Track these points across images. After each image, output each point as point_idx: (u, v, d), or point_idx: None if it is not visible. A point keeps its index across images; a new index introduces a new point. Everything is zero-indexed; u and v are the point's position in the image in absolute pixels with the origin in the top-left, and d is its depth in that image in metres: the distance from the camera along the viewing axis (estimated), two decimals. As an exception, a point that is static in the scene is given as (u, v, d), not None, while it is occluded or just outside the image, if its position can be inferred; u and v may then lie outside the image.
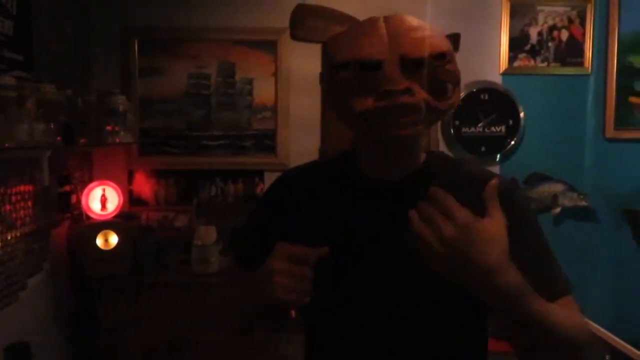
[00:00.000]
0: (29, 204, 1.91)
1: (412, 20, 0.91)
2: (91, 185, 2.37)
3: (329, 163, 1.07)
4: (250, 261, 1.01)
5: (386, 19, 0.92)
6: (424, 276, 0.86)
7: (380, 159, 0.97)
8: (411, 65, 0.87)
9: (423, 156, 1.00)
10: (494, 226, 0.77)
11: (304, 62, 2.67)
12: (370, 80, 0.87)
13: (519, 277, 0.78)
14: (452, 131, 2.70)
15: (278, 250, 0.89)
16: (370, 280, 0.94)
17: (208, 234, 2.44)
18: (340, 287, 0.95)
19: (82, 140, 1.93)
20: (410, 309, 0.93)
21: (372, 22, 0.92)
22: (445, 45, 0.90)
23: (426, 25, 0.91)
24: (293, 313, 1.10)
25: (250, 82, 2.68)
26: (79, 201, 2.35)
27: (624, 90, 2.69)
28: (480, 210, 0.84)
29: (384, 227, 0.94)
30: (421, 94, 0.87)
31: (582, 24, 2.71)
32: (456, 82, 0.92)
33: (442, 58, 0.88)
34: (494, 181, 0.81)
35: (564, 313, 0.88)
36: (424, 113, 0.88)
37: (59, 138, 1.70)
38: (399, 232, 0.86)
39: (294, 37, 2.71)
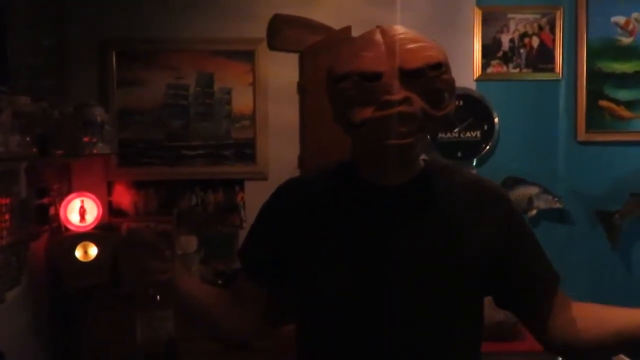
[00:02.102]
0: (6, 216, 1.90)
1: (408, 32, 0.96)
2: (69, 197, 2.36)
3: (329, 172, 1.09)
4: (262, 276, 1.08)
5: (383, 31, 0.96)
6: (428, 278, 0.96)
7: (380, 166, 1.00)
8: (409, 76, 0.91)
9: (421, 162, 1.04)
10: None
11: (282, 71, 2.70)
12: (369, 91, 0.92)
13: None
14: (428, 137, 2.74)
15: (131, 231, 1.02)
16: (377, 282, 0.97)
17: (189, 244, 2.45)
18: (347, 290, 0.98)
19: (59, 152, 1.93)
20: (414, 310, 0.97)
21: (369, 35, 0.97)
22: (441, 56, 0.94)
23: (422, 36, 0.96)
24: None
25: (228, 91, 2.71)
26: (57, 213, 2.34)
27: (594, 94, 2.77)
28: (475, 213, 0.99)
29: (387, 231, 0.98)
30: (419, 103, 0.91)
31: (552, 30, 2.78)
32: (452, 90, 0.96)
33: (438, 68, 0.93)
34: None
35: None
36: (422, 121, 0.92)
37: (34, 149, 1.70)
38: (401, 235, 0.97)
39: (271, 46, 2.75)
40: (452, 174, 1.05)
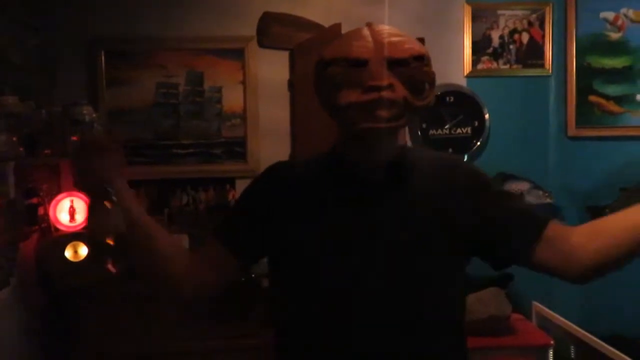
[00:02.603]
0: (-5, 217, 1.89)
1: (393, 29, 1.04)
2: (59, 196, 2.34)
3: (315, 158, 1.15)
4: (231, 238, 1.11)
5: (370, 25, 1.04)
6: (405, 255, 1.02)
7: (361, 149, 1.05)
8: (393, 64, 0.98)
9: (398, 148, 1.10)
10: None
11: (272, 69, 2.70)
12: (356, 76, 0.97)
13: None
14: (419, 133, 2.75)
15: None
16: (358, 254, 1.02)
17: (180, 243, 2.44)
18: (327, 262, 1.03)
19: (47, 151, 1.91)
20: (394, 288, 1.01)
21: (358, 29, 1.05)
22: (423, 50, 1.02)
23: (405, 33, 1.04)
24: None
25: (219, 90, 2.70)
26: (46, 213, 2.33)
27: (583, 90, 2.78)
28: (449, 188, 1.06)
29: (367, 209, 1.04)
30: (401, 91, 0.97)
31: (542, 26, 2.79)
32: (432, 82, 1.03)
33: (420, 60, 1.00)
34: None
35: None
36: (402, 108, 0.98)
37: (22, 149, 1.69)
38: (380, 212, 1.03)
39: (261, 44, 2.74)
40: (420, 154, 1.15)
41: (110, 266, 2.00)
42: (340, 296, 1.01)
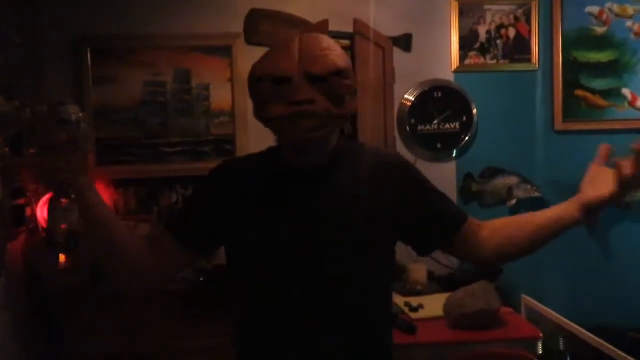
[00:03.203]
0: (-19, 218, 1.87)
1: (323, 41, 1.13)
2: (46, 197, 2.32)
3: (261, 155, 1.25)
4: (178, 230, 1.20)
5: (301, 38, 1.13)
6: (342, 236, 1.14)
7: (294, 151, 1.17)
8: (315, 80, 1.08)
9: (331, 149, 1.19)
10: None
11: (260, 66, 2.69)
12: (282, 91, 1.08)
13: None
14: (408, 129, 2.76)
15: None
16: (300, 241, 1.13)
17: (138, 235, 2.42)
18: (272, 247, 1.14)
19: (32, 151, 1.89)
20: (332, 277, 1.13)
21: (288, 41, 1.13)
22: (344, 64, 1.12)
23: (334, 45, 1.13)
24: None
25: (207, 87, 2.69)
26: (34, 214, 2.31)
27: (570, 84, 2.80)
28: (377, 180, 1.18)
29: (304, 201, 1.16)
30: (323, 103, 1.08)
31: (528, 21, 2.81)
32: (352, 93, 1.13)
33: (339, 74, 1.10)
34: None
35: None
36: (325, 119, 1.09)
37: (6, 149, 1.67)
38: (315, 203, 1.15)
39: (249, 41, 2.73)
40: (358, 151, 1.24)
41: (61, 260, 2.10)
42: (279, 281, 1.14)
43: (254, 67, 1.15)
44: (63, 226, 2.19)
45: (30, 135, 1.90)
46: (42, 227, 2.31)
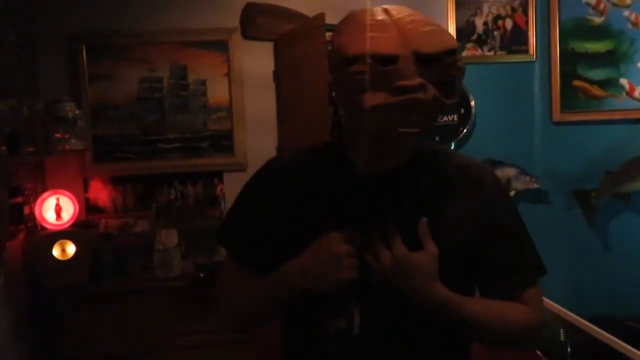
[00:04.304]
0: (-21, 217, 1.86)
1: (414, 13, 0.92)
2: (44, 195, 2.32)
3: (316, 154, 1.08)
4: (253, 259, 1.06)
5: (387, 11, 0.93)
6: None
7: (376, 152, 0.98)
8: (424, 61, 0.87)
9: (415, 150, 1.02)
10: (425, 257, 0.93)
11: (257, 60, 2.68)
12: (383, 75, 0.87)
13: (443, 292, 0.94)
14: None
15: (334, 235, 0.94)
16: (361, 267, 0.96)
17: (169, 238, 2.43)
18: None
19: (30, 149, 1.89)
20: (397, 299, 0.96)
21: (375, 17, 0.91)
22: (455, 41, 0.91)
23: (431, 19, 0.92)
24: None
25: (203, 83, 2.67)
26: (32, 212, 2.30)
27: (568, 75, 2.79)
28: (459, 200, 1.00)
29: (366, 215, 0.98)
30: (431, 91, 0.87)
31: (525, 12, 2.79)
32: (462, 78, 0.94)
33: (453, 54, 0.89)
34: (423, 220, 0.94)
35: (504, 309, 1.01)
36: (433, 109, 0.89)
37: (3, 148, 1.66)
38: (391, 220, 0.96)
39: (245, 36, 2.72)
40: (443, 159, 1.04)
41: None
42: (341, 302, 0.98)
43: (344, 45, 0.91)
44: None
45: (28, 133, 1.89)
46: (41, 225, 2.30)
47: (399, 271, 0.92)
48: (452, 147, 2.79)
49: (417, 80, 0.86)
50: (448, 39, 0.89)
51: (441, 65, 0.88)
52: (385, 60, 0.86)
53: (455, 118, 2.76)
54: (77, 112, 2.20)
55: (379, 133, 0.93)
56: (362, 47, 0.88)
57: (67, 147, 2.09)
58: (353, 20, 0.93)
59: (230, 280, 1.10)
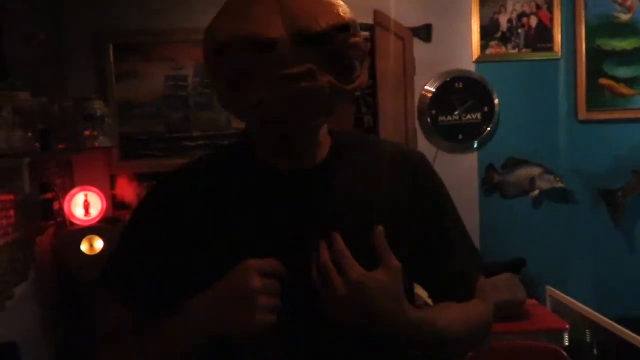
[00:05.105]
0: (11, 213, 1.91)
1: None
2: (73, 191, 2.37)
3: (219, 158, 0.91)
4: (152, 306, 0.84)
5: None
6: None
7: (281, 150, 0.83)
8: (310, 41, 0.72)
9: (329, 140, 0.88)
10: (387, 275, 0.78)
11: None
12: (262, 63, 0.72)
13: (414, 313, 0.80)
14: (429, 120, 2.74)
15: (249, 266, 0.75)
16: (293, 275, 0.79)
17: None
18: None
19: (61, 146, 1.93)
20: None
21: None
22: (349, 15, 0.76)
23: None
24: None
25: (227, 81, 2.69)
26: (61, 208, 2.35)
27: (594, 73, 2.76)
28: (397, 188, 0.86)
29: (296, 221, 0.83)
30: (324, 76, 0.73)
31: (550, 9, 2.76)
32: (363, 57, 0.79)
33: (346, 30, 0.74)
34: (379, 229, 0.79)
35: (466, 312, 0.89)
36: (328, 97, 0.74)
37: (37, 145, 1.70)
38: (312, 223, 0.82)
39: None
40: (367, 147, 0.91)
41: None
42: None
43: (211, 30, 0.77)
44: None
45: (58, 130, 1.93)
46: (70, 221, 2.35)
47: (358, 298, 0.75)
48: (475, 146, 2.78)
49: (303, 67, 0.72)
50: (338, 12, 0.74)
51: (334, 45, 0.74)
52: (264, 46, 0.71)
53: (479, 116, 2.75)
54: (105, 109, 2.24)
55: (271, 131, 0.80)
56: (232, 31, 0.73)
57: (96, 145, 2.13)
58: (229, 0, 0.79)
59: (118, 335, 0.86)
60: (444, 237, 0.90)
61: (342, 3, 0.77)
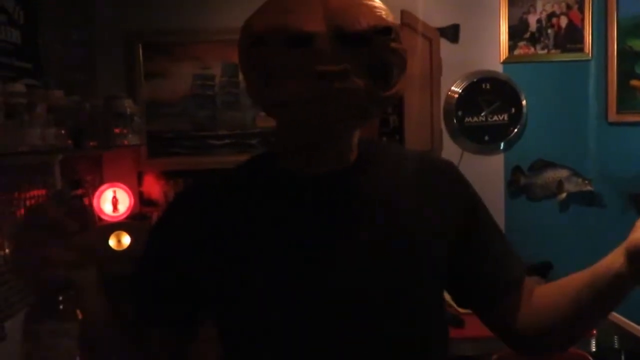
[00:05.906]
0: (43, 208, 1.96)
1: None
2: (102, 187, 2.41)
3: (244, 167, 0.89)
4: (172, 315, 0.86)
5: None
6: (377, 275, 0.79)
7: (306, 152, 0.81)
8: (349, 41, 0.70)
9: (356, 149, 0.85)
10: None
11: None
12: (297, 58, 0.70)
13: None
14: (455, 121, 2.73)
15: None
16: (318, 283, 0.78)
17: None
18: (282, 294, 0.79)
19: (92, 144, 1.97)
20: (358, 305, 0.78)
21: None
22: (391, 19, 0.74)
23: None
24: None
25: (253, 81, 2.72)
26: (91, 204, 2.40)
27: (624, 74, 2.70)
28: (422, 194, 0.83)
29: (321, 227, 0.80)
30: (359, 79, 0.71)
31: (581, 9, 2.72)
32: (403, 64, 0.76)
33: (387, 33, 0.72)
34: None
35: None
36: (363, 101, 0.72)
37: (70, 142, 1.74)
38: (338, 230, 0.79)
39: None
40: (394, 154, 0.89)
41: None
42: (290, 333, 0.79)
43: (249, 22, 0.75)
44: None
45: (90, 128, 1.98)
46: (98, 216, 2.40)
47: None
48: (502, 147, 2.75)
49: (340, 66, 0.69)
50: (381, 14, 0.73)
51: (373, 47, 0.71)
52: (300, 40, 0.69)
53: (506, 117, 2.72)
54: (133, 108, 2.28)
55: (300, 130, 0.78)
56: (270, 22, 0.72)
57: (125, 142, 2.17)
58: None
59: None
60: (489, 242, 0.87)
61: (385, 7, 0.75)
